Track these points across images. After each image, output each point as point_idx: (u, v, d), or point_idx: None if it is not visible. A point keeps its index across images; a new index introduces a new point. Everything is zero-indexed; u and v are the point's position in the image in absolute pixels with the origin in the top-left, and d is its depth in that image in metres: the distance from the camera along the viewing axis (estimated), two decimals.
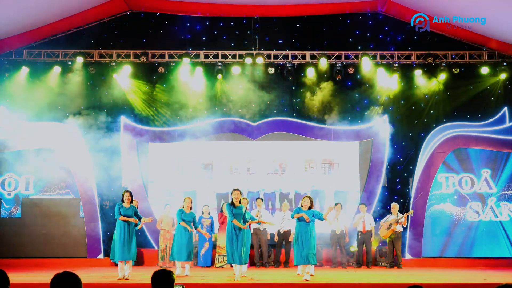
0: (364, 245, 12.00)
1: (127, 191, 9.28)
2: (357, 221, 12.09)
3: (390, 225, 11.92)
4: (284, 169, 13.59)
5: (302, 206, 9.14)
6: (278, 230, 12.05)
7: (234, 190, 8.91)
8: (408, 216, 12.22)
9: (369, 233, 11.95)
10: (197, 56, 13.29)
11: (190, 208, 9.83)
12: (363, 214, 12.11)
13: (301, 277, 8.88)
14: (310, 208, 9.09)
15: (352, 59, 13.28)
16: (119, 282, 8.45)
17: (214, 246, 11.88)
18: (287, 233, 11.97)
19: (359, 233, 12.01)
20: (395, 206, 12.10)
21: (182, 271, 9.68)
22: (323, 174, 13.50)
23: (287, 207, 12.26)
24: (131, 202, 9.17)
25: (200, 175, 13.52)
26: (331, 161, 13.59)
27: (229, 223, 8.81)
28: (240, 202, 8.90)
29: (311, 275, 8.97)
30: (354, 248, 12.21)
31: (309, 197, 9.26)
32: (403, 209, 12.55)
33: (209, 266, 11.71)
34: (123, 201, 9.10)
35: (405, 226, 12.16)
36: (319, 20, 13.71)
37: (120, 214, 9.00)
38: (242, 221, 8.77)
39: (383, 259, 12.29)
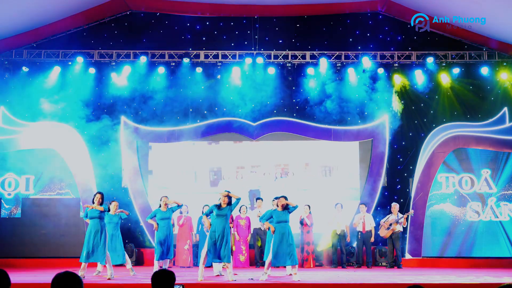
0: (364, 245, 12.00)
1: (99, 192, 9.34)
2: (357, 221, 12.09)
3: (390, 225, 11.93)
4: (285, 169, 13.59)
5: (277, 206, 8.91)
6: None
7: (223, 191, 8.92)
8: (408, 216, 12.23)
9: (369, 233, 11.95)
10: (197, 56, 13.28)
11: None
12: (363, 214, 12.11)
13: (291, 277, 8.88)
14: (285, 208, 8.87)
15: (352, 59, 13.27)
16: (119, 282, 8.46)
17: None
18: None
19: (359, 233, 12.01)
20: (395, 206, 12.11)
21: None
22: (323, 174, 13.50)
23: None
24: (101, 204, 9.18)
25: (201, 175, 13.53)
26: (331, 161, 13.58)
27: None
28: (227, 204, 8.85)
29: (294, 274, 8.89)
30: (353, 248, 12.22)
31: (284, 197, 9.01)
32: (403, 209, 12.55)
33: (208, 266, 11.66)
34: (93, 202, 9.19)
35: (405, 226, 12.17)
36: (319, 20, 13.71)
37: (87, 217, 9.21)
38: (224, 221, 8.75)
39: (383, 259, 12.29)
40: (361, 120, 13.44)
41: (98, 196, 9.17)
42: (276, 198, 9.36)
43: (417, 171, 13.00)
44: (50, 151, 12.87)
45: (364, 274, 10.13)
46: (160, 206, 9.97)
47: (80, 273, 8.81)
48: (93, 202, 9.13)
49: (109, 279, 8.77)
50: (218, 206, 8.80)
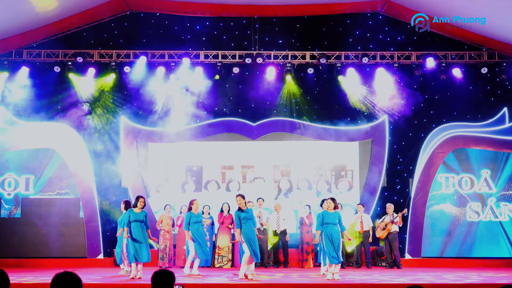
0: (362, 245, 11.98)
1: (141, 196, 9.35)
2: (355, 221, 12.07)
3: (386, 225, 11.91)
4: (284, 170, 13.59)
5: (327, 208, 9.09)
6: (274, 231, 12.04)
7: (237, 195, 8.98)
8: (402, 215, 12.14)
9: (367, 233, 11.93)
10: (197, 56, 13.28)
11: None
12: (360, 214, 12.08)
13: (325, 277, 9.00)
14: (335, 208, 9.06)
15: (352, 59, 13.27)
16: (119, 282, 8.47)
17: (214, 246, 11.84)
18: (283, 234, 11.97)
19: (357, 234, 12.00)
20: (390, 207, 12.08)
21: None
22: (323, 174, 13.49)
23: (280, 207, 12.24)
24: (144, 207, 9.29)
25: (203, 174, 13.53)
26: (331, 161, 13.56)
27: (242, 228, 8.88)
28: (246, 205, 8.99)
29: (335, 273, 8.88)
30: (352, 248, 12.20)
31: (332, 199, 9.18)
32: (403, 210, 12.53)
33: (209, 266, 11.69)
34: (135, 206, 9.18)
35: (400, 225, 12.09)
36: (319, 20, 13.71)
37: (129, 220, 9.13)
38: (252, 222, 8.89)
39: (382, 260, 12.27)
40: (361, 120, 13.43)
41: (142, 200, 9.22)
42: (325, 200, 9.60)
43: (417, 171, 13.00)
44: (50, 151, 12.87)
45: (364, 274, 10.13)
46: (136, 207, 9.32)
47: (132, 273, 8.94)
48: (136, 206, 9.14)
49: (132, 278, 8.82)
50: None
